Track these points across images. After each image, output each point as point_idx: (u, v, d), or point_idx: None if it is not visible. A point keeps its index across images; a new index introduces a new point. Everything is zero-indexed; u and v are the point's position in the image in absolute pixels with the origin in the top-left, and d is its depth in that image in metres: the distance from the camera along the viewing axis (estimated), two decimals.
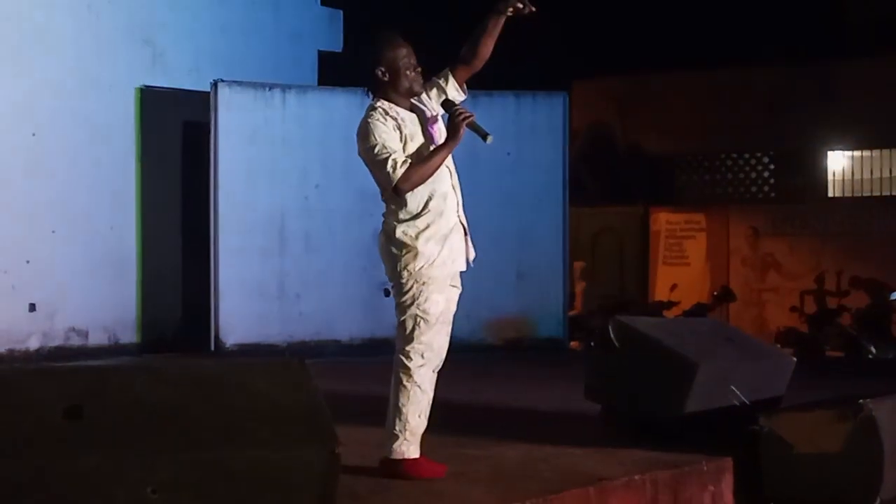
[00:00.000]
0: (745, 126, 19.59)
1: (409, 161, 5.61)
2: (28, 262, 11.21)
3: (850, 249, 17.31)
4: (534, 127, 12.58)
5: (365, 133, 5.65)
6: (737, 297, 17.03)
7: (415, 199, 5.68)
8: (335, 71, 13.61)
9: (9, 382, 4.35)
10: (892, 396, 6.50)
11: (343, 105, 12.01)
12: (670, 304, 16.30)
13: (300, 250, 11.84)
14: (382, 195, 5.77)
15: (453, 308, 5.84)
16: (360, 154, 5.72)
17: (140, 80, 12.05)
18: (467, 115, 5.68)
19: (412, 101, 5.82)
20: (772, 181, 20.10)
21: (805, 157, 19.58)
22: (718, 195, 20.21)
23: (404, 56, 5.73)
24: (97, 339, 11.64)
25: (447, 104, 5.78)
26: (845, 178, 19.57)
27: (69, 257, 11.46)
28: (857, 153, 19.46)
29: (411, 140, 5.69)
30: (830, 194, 19.56)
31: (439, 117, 5.90)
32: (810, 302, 15.83)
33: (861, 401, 6.19)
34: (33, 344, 11.25)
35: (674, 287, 17.01)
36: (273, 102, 11.84)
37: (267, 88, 11.88)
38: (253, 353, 11.25)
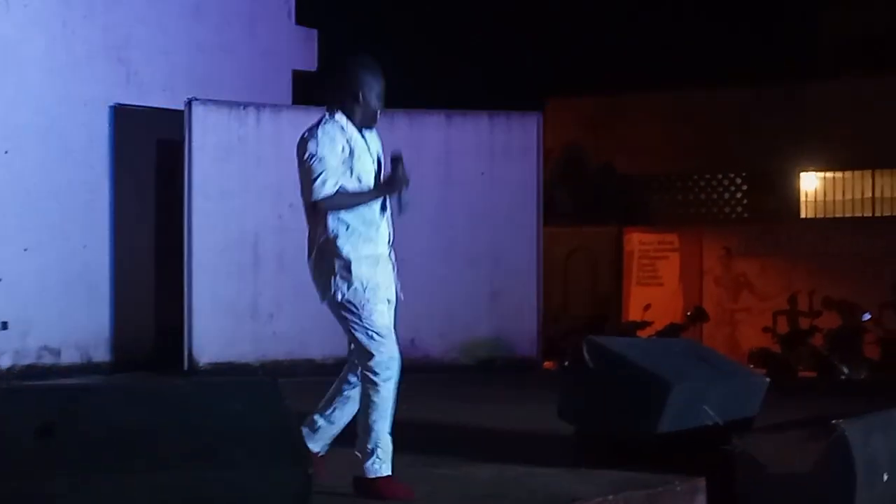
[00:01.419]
0: (718, 146, 19.66)
1: (340, 186, 5.71)
2: (0, 279, 11.15)
3: (822, 270, 17.37)
4: (507, 147, 12.60)
5: (309, 139, 5.76)
6: (710, 317, 17.07)
7: (344, 223, 5.75)
8: (309, 90, 13.62)
9: None
10: (864, 417, 6.52)
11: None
12: (644, 324, 16.30)
13: (274, 269, 11.80)
14: (307, 210, 5.84)
15: (390, 322, 5.85)
16: (297, 155, 5.80)
17: (114, 97, 12.02)
18: (407, 179, 5.80)
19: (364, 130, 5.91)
20: (745, 202, 20.16)
21: (778, 177, 19.66)
22: (691, 215, 20.26)
23: (380, 89, 5.88)
24: (69, 357, 11.57)
25: (396, 159, 5.83)
26: (817, 198, 19.66)
27: (42, 275, 11.40)
28: (829, 174, 19.56)
29: (358, 159, 5.79)
30: (803, 215, 19.64)
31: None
32: (783, 322, 15.86)
33: (833, 421, 6.21)
34: (5, 362, 11.19)
35: (647, 307, 17.02)
36: (247, 121, 11.83)
37: (241, 107, 11.87)
38: (226, 372, 11.22)
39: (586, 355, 7.05)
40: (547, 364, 13.21)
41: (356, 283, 5.73)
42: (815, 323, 15.40)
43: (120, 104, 12.03)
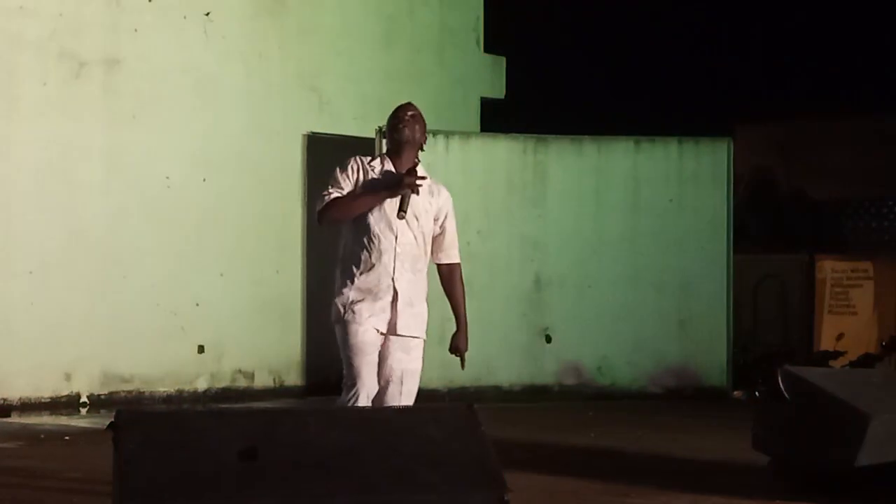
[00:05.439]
0: None
1: (338, 198, 5.87)
2: (197, 304, 11.45)
3: None
4: (697, 173, 12.45)
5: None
6: None
7: (349, 244, 5.95)
8: (497, 117, 13.68)
9: (187, 423, 4.44)
10: None
11: (505, 152, 12.09)
12: (836, 354, 15.90)
13: None
14: None
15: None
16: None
17: (307, 126, 12.27)
18: (416, 186, 5.88)
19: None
20: None
21: None
22: (886, 242, 19.72)
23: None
24: (262, 380, 11.82)
25: (412, 169, 5.96)
26: None
27: (236, 300, 11.68)
28: None
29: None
30: None
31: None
32: None
33: None
34: (201, 385, 11.48)
35: (840, 336, 16.60)
36: (436, 149, 11.91)
37: (431, 135, 11.94)
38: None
39: (782, 385, 6.92)
40: (736, 393, 13.00)
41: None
42: None
43: (313, 133, 12.27)
